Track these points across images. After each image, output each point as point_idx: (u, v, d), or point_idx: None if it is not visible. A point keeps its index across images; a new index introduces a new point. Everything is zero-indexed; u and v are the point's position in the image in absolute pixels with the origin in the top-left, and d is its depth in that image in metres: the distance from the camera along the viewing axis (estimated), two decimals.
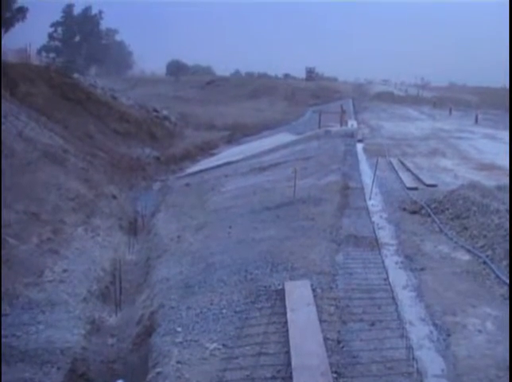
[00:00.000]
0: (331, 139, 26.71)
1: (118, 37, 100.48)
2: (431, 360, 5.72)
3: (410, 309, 7.02)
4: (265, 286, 7.83)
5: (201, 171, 24.45)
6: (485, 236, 9.77)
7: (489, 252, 9.14)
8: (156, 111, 39.87)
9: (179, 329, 6.97)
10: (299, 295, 7.23)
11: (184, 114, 44.82)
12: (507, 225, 9.62)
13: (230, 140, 36.85)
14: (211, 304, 7.65)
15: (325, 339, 6.05)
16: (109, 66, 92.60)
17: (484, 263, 8.76)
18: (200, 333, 6.74)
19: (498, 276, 8.14)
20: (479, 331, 6.42)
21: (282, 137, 31.60)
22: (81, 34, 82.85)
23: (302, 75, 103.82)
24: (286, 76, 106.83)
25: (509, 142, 20.36)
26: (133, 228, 15.02)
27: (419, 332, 6.35)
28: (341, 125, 32.29)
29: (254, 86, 79.21)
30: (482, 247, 9.46)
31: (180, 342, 6.56)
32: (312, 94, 74.74)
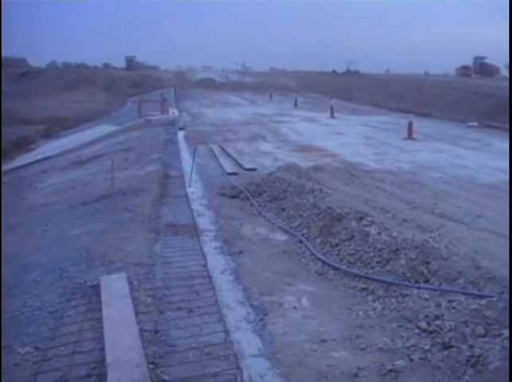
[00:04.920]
0: (151, 129, 26.40)
1: None
2: (248, 341, 5.75)
3: (228, 293, 7.02)
4: (80, 283, 7.47)
5: (17, 168, 23.15)
6: (301, 216, 10.06)
7: (304, 231, 9.43)
8: None
9: None
10: (115, 289, 6.98)
11: None
12: (321, 204, 9.96)
13: (49, 134, 35.33)
14: (24, 306, 7.16)
15: (141, 331, 5.87)
16: None
17: (300, 241, 9.01)
18: (11, 339, 6.28)
19: (313, 253, 8.39)
20: (295, 308, 6.57)
21: (102, 128, 30.76)
22: None
23: (122, 64, 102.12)
24: (106, 65, 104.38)
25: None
26: None
27: (236, 314, 6.37)
28: (162, 113, 32.05)
29: (71, 77, 76.66)
30: (298, 226, 9.74)
31: None
32: (133, 83, 73.50)
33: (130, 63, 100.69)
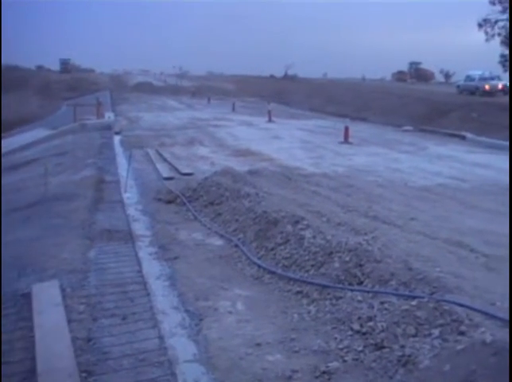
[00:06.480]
0: (87, 133, 26.09)
1: None
2: (183, 347, 5.70)
3: (163, 298, 6.96)
4: (11, 292, 7.30)
5: None
6: (237, 220, 10.05)
7: (240, 235, 9.42)
8: None
9: None
10: (47, 297, 6.83)
11: None
12: (257, 208, 9.98)
13: None
14: None
15: (74, 339, 5.75)
16: None
17: (236, 246, 9.01)
18: None
19: (248, 258, 8.40)
20: (230, 312, 6.56)
21: (36, 133, 30.12)
22: None
23: (56, 67, 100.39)
24: (39, 67, 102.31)
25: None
26: None
27: (171, 320, 6.31)
28: (98, 118, 31.65)
29: (3, 79, 74.85)
30: (234, 231, 9.72)
31: None
32: (68, 86, 72.18)
33: (65, 65, 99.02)
